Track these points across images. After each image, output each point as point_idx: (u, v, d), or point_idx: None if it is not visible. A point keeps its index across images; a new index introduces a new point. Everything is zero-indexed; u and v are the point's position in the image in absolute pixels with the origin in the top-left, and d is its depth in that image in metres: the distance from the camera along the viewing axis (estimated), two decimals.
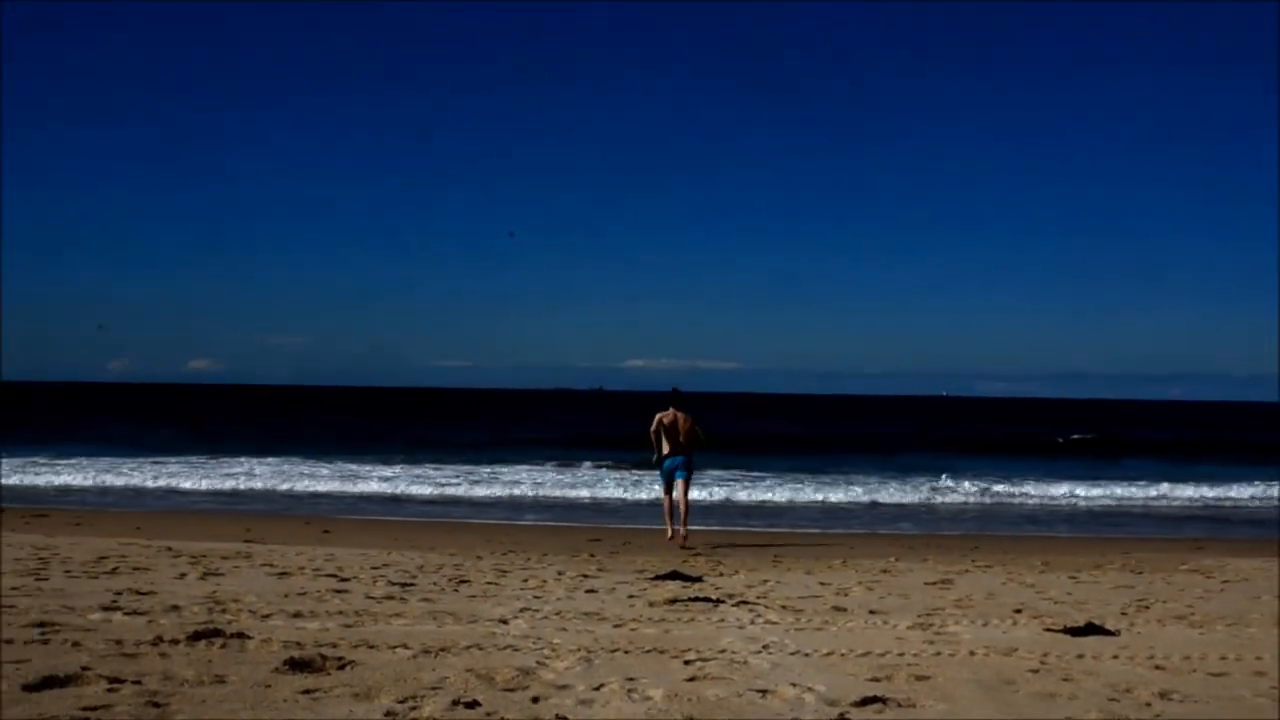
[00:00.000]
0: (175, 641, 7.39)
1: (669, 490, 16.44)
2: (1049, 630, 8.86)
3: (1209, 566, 13.74)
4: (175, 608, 8.84)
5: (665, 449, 16.16)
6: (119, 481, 27.02)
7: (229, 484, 26.98)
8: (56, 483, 26.49)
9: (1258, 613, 9.97)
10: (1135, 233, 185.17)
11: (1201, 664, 7.62)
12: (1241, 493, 27.30)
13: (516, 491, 26.04)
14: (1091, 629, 8.82)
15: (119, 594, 9.48)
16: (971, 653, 7.88)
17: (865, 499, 25.31)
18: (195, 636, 7.52)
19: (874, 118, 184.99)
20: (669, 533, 16.32)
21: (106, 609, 8.65)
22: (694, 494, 18.58)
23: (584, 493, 26.25)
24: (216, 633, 7.66)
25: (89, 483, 26.72)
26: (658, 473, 16.67)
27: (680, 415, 16.16)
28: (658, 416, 16.20)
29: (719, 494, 24.98)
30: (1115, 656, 7.83)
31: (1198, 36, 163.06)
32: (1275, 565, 13.77)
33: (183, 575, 10.96)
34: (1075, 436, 58.04)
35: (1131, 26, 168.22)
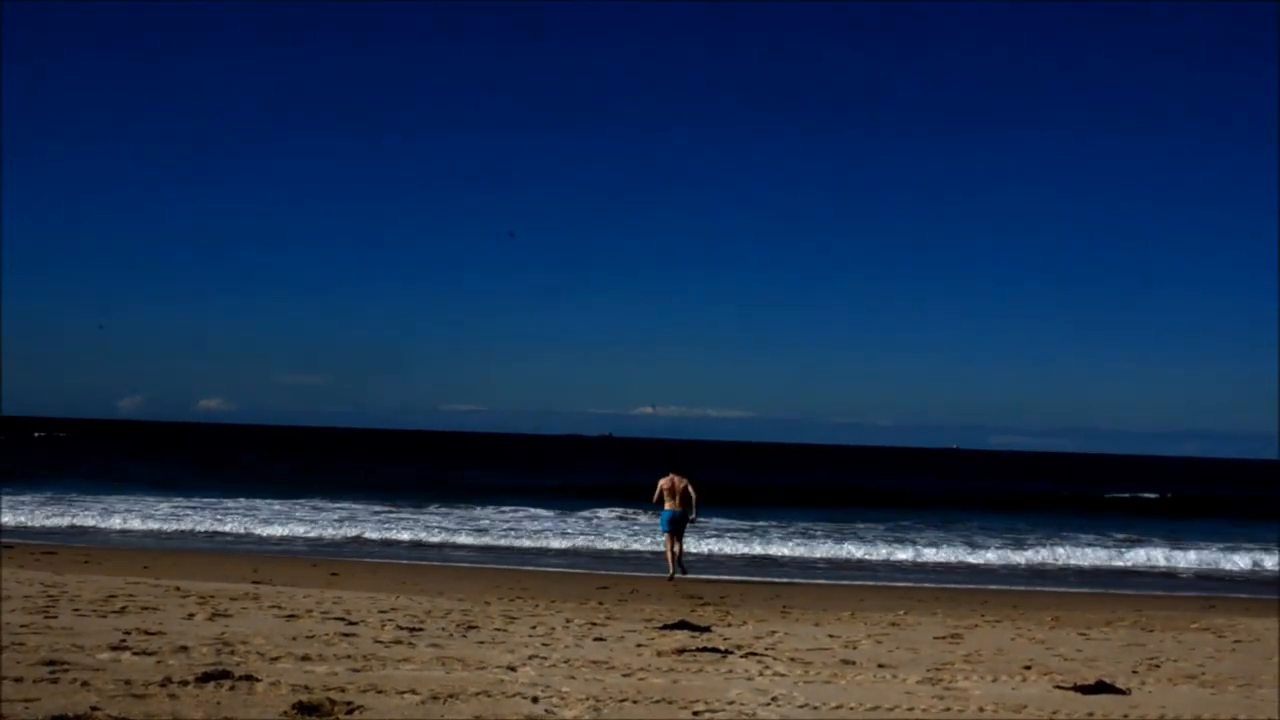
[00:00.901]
0: (184, 683, 7.39)
1: (669, 539, 18.87)
2: (1059, 688, 8.81)
3: (1220, 625, 13.66)
4: (184, 648, 8.85)
5: (666, 505, 18.87)
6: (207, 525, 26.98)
7: (331, 531, 26.62)
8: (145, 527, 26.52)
9: (1269, 673, 9.91)
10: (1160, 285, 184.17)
11: None
12: None
13: (525, 542, 25.74)
14: (1102, 687, 8.77)
15: (128, 633, 9.49)
16: (981, 709, 7.84)
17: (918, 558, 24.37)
18: (204, 678, 7.52)
19: (890, 144, 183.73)
20: (670, 573, 18.51)
21: (115, 648, 8.66)
22: (712, 546, 22.63)
23: (594, 539, 26.19)
24: (225, 674, 7.66)
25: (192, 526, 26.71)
26: (659, 525, 19.42)
27: (677, 477, 18.93)
28: (660, 482, 19.00)
29: (739, 547, 24.58)
30: (1125, 716, 7.80)
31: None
32: None
33: (191, 615, 10.97)
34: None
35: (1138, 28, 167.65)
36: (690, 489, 18.79)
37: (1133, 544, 27.13)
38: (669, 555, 18.76)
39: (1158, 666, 10.19)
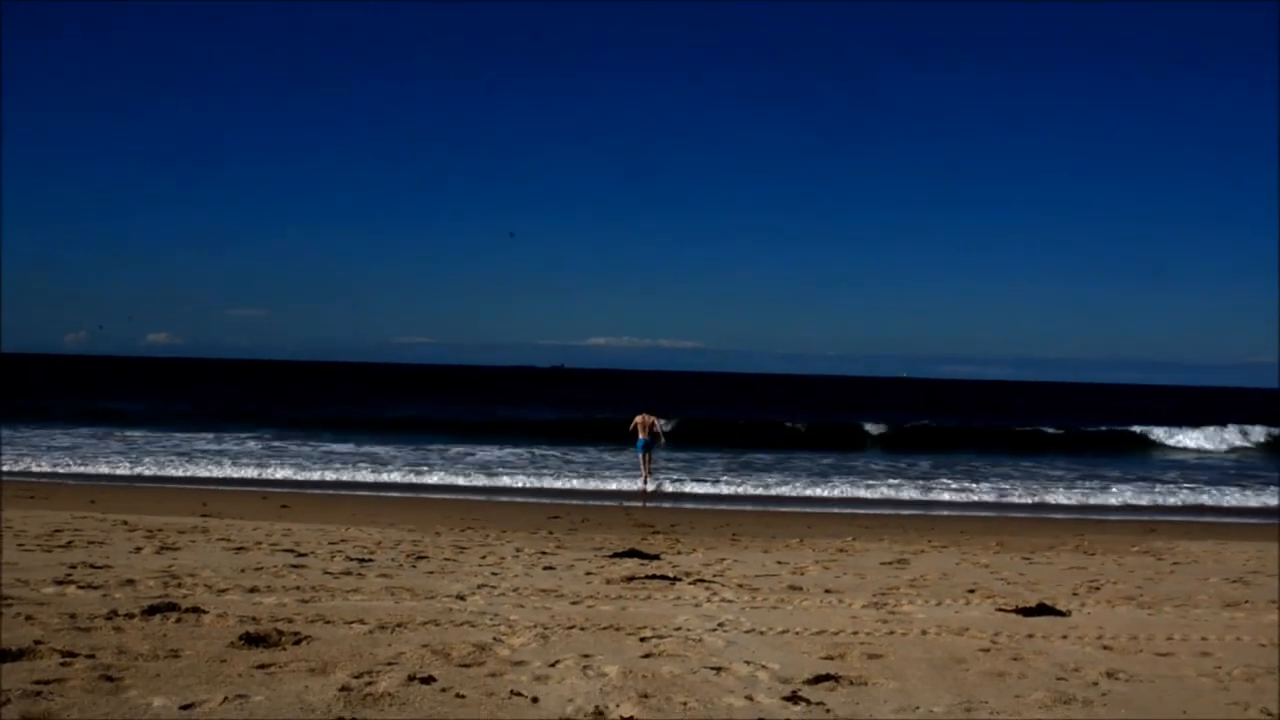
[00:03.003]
0: (130, 615, 7.36)
1: (643, 458, 23.97)
2: (1001, 610, 8.97)
3: (1159, 549, 13.94)
4: (130, 582, 8.80)
5: (640, 435, 24.22)
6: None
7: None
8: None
9: (1205, 594, 10.14)
10: (1118, 222, 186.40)
11: (1148, 644, 7.75)
12: None
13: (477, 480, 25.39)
14: (1043, 609, 8.95)
15: (73, 568, 9.42)
16: (924, 632, 7.97)
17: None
18: (150, 611, 7.48)
19: (867, 111, 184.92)
20: (642, 480, 23.47)
21: (60, 582, 8.60)
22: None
23: (547, 472, 26.17)
24: (171, 607, 7.63)
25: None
26: (634, 448, 24.38)
27: (648, 415, 24.64)
28: (636, 418, 24.54)
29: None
30: (1065, 636, 7.95)
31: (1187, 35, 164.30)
32: (1221, 548, 14.01)
33: (138, 549, 10.91)
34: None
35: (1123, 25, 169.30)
36: (656, 424, 24.60)
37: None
38: (643, 468, 23.88)
39: (1097, 589, 10.39)
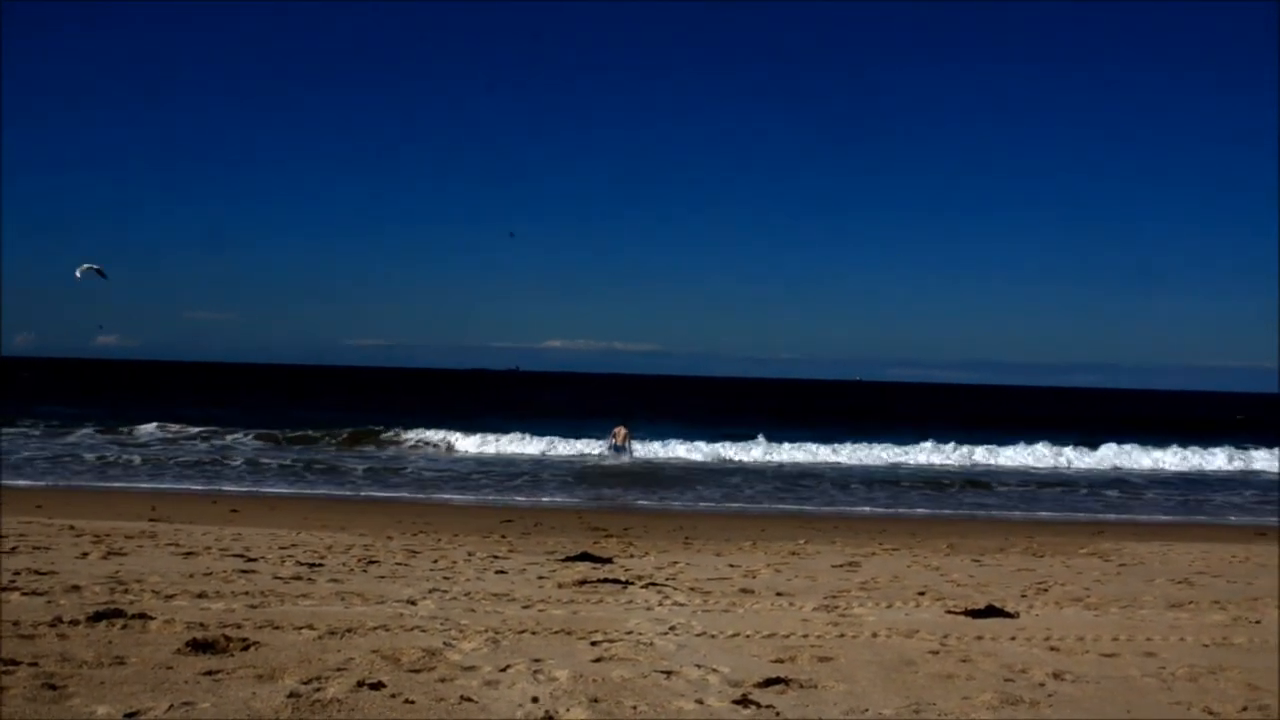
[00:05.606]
0: (75, 622, 7.26)
1: (616, 454, 31.63)
2: (950, 612, 9.04)
3: (1107, 550, 14.10)
4: (76, 588, 8.69)
5: (618, 442, 31.92)
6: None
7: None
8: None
9: (1150, 595, 10.26)
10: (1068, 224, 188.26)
11: (1094, 645, 7.83)
12: None
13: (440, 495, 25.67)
14: (992, 611, 9.02)
15: (17, 574, 9.28)
16: (874, 634, 8.01)
17: None
18: (95, 617, 7.39)
19: (867, 108, 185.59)
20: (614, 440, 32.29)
21: (4, 589, 8.46)
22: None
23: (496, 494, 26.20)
24: (118, 613, 7.54)
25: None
26: (612, 450, 31.86)
27: (623, 428, 32.64)
28: (614, 430, 32.52)
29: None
30: (1013, 638, 8.02)
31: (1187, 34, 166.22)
32: (1168, 549, 14.19)
33: (85, 555, 10.77)
34: None
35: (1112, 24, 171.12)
36: (629, 435, 32.34)
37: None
38: (623, 446, 31.95)
39: (1046, 590, 10.49)
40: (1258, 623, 8.90)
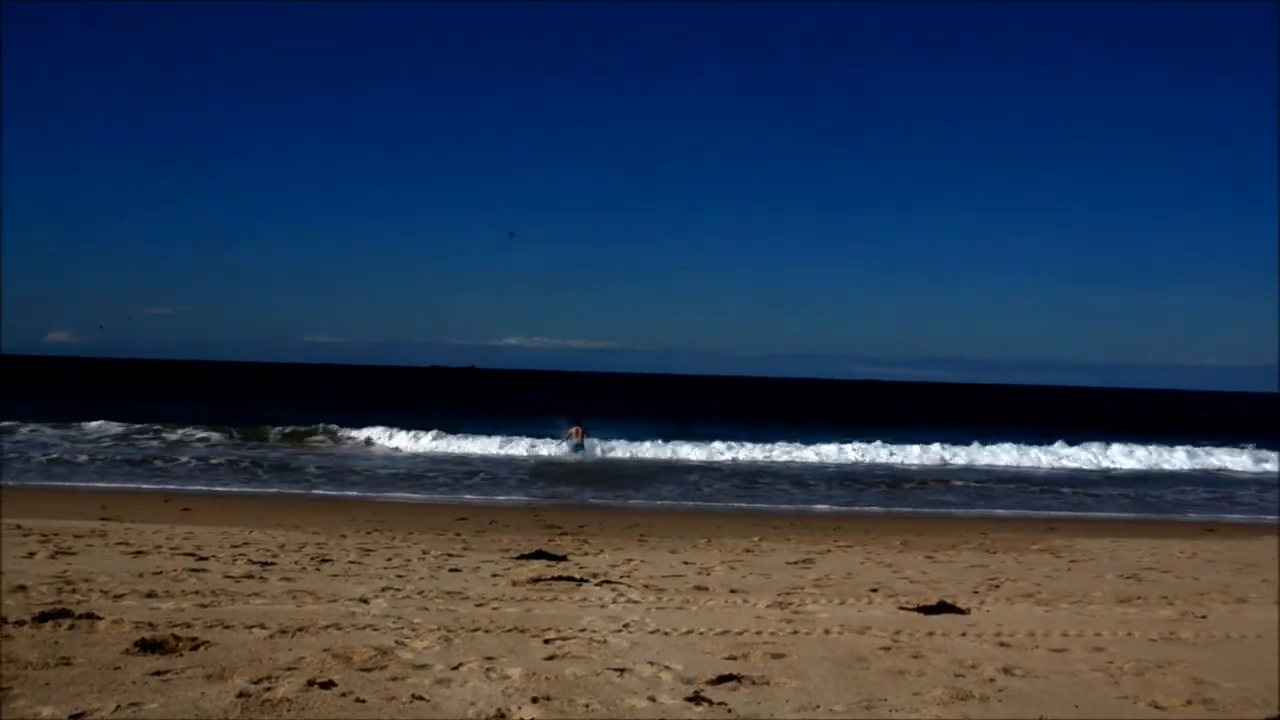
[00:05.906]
0: (20, 623, 7.17)
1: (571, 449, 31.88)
2: (903, 609, 9.10)
3: (1059, 546, 14.24)
4: (22, 588, 8.58)
5: (573, 440, 32.13)
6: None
7: None
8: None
9: (1100, 591, 10.38)
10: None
11: (1044, 640, 7.91)
12: None
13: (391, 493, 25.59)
14: (943, 607, 9.09)
15: None
16: (827, 631, 8.06)
17: None
18: (41, 618, 7.30)
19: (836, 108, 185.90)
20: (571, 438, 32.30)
21: None
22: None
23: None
24: (64, 613, 7.44)
25: None
26: (569, 447, 31.95)
27: (578, 427, 32.77)
28: (569, 429, 32.64)
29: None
30: (964, 634, 8.09)
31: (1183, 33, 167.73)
32: (1118, 545, 14.35)
33: (31, 554, 10.63)
34: None
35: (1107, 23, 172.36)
36: (585, 432, 32.64)
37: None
38: (579, 443, 32.01)
39: (997, 586, 10.59)
40: (1204, 618, 9.03)
